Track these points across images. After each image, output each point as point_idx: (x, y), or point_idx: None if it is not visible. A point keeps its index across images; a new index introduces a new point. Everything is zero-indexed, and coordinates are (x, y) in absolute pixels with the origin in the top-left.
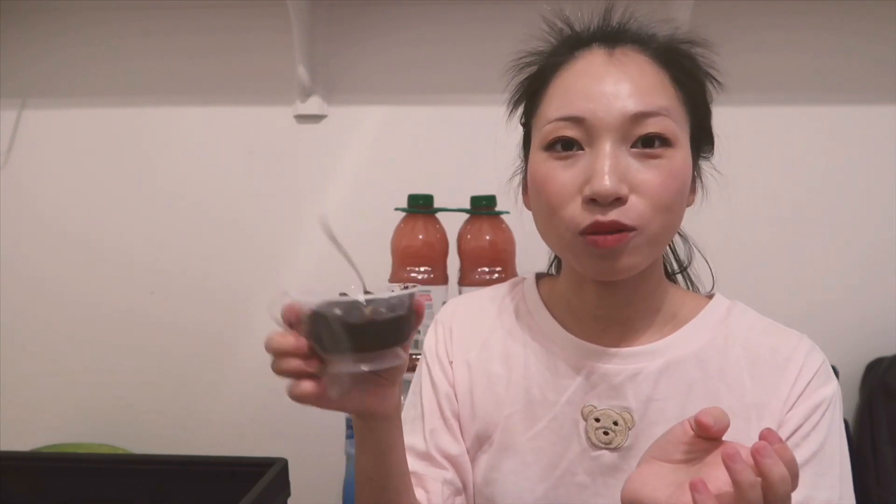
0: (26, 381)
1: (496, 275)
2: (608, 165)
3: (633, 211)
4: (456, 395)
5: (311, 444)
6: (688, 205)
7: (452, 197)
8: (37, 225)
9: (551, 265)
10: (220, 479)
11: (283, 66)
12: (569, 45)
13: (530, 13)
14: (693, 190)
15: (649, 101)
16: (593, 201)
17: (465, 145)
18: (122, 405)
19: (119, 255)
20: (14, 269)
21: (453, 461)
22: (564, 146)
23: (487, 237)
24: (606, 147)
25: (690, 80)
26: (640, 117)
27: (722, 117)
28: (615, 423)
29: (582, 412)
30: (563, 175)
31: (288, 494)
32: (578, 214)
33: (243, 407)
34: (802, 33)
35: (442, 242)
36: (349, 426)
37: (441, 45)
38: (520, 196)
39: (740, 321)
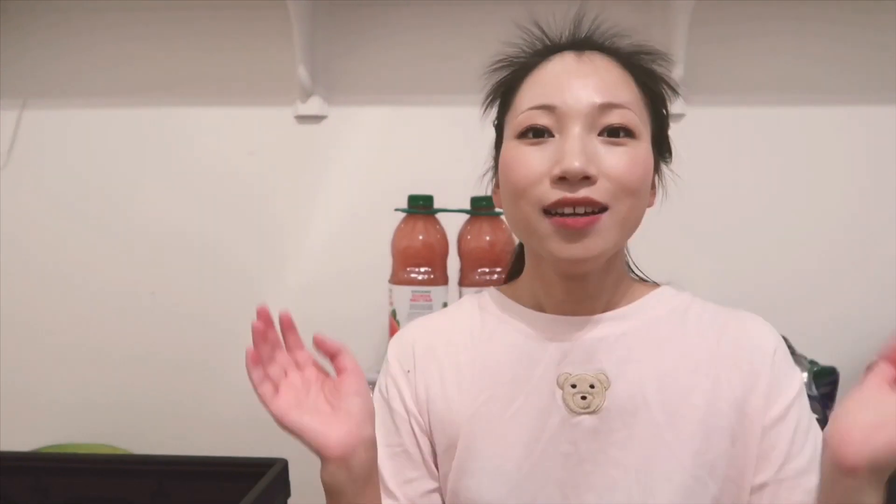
0: (26, 381)
1: (496, 275)
2: (578, 146)
3: (603, 190)
4: (418, 404)
5: None
6: (648, 206)
7: (453, 197)
8: (37, 225)
9: (509, 275)
10: (220, 479)
11: (284, 67)
12: (541, 52)
13: (534, 14)
14: (653, 191)
15: (615, 93)
16: (562, 180)
17: (465, 145)
18: (122, 405)
19: (119, 256)
20: (13, 270)
21: (430, 498)
22: (536, 133)
23: (487, 238)
24: (575, 130)
25: (654, 86)
26: (606, 107)
27: (723, 117)
28: (591, 387)
29: (557, 381)
30: (532, 157)
31: (288, 495)
32: (545, 192)
33: (243, 407)
34: (803, 34)
35: (442, 243)
36: None
37: (442, 45)
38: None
39: (692, 306)
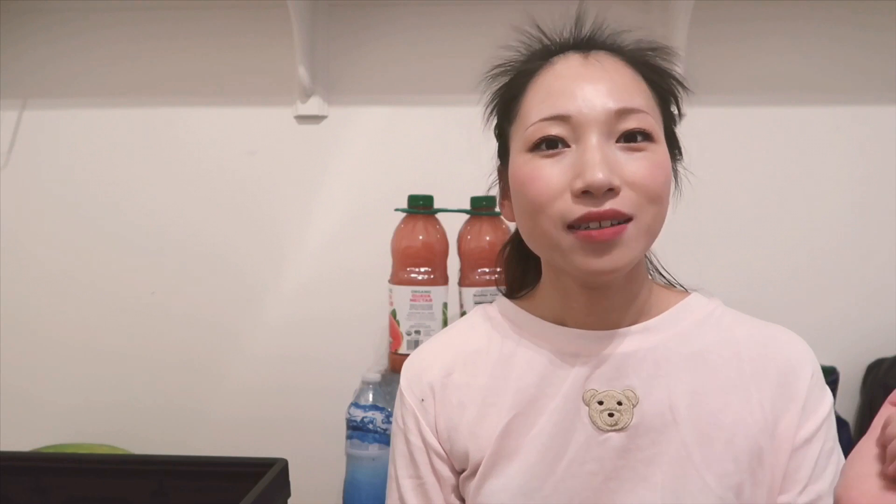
0: (26, 381)
1: (496, 275)
2: (599, 157)
3: (627, 200)
4: (437, 433)
5: (311, 444)
6: None
7: (453, 197)
8: (37, 225)
9: (511, 285)
10: (220, 479)
11: (284, 67)
12: (543, 54)
13: (533, 14)
14: None
15: (630, 97)
16: (586, 194)
17: (466, 145)
18: (122, 405)
19: (119, 255)
20: (14, 270)
21: None
22: (549, 145)
23: (487, 238)
24: (594, 140)
25: (663, 84)
26: (622, 113)
27: (722, 118)
28: (619, 403)
29: (583, 398)
30: (549, 171)
31: (288, 495)
32: (568, 208)
33: (243, 407)
34: (804, 34)
35: (442, 243)
36: (349, 426)
37: (442, 45)
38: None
39: (723, 318)
